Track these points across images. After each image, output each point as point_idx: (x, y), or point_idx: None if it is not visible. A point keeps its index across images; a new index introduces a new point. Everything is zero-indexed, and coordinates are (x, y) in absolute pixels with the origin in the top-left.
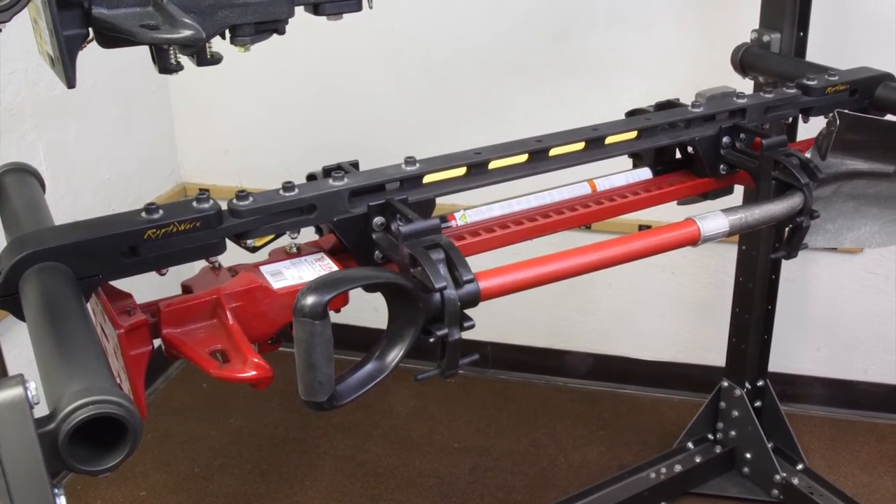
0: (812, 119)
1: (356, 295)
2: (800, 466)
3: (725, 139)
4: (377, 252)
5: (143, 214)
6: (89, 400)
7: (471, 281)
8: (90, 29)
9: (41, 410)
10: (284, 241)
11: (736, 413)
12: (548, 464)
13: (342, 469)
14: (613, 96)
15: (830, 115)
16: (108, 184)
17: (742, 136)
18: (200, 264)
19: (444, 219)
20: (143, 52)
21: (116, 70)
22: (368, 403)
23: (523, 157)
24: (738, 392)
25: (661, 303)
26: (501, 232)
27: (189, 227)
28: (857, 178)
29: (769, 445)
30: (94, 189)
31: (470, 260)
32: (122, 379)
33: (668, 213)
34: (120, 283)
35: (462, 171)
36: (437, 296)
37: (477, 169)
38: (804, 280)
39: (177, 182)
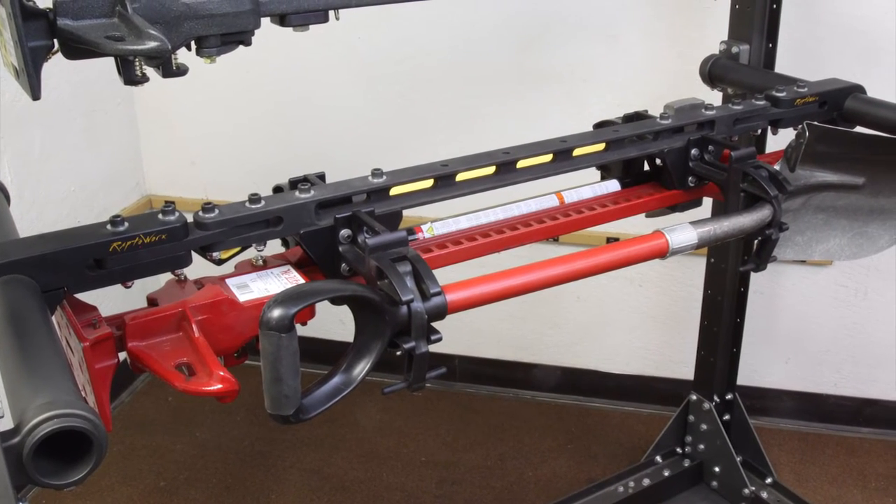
0: (781, 131)
1: (323, 308)
2: (769, 480)
3: (694, 151)
4: (344, 265)
5: (109, 227)
6: (54, 413)
7: (438, 294)
8: (55, 40)
9: (6, 424)
10: (251, 253)
11: (704, 426)
12: (515, 478)
13: (308, 483)
14: (581, 108)
15: (800, 126)
16: (73, 196)
17: (711, 148)
18: (166, 277)
19: (411, 231)
20: (109, 63)
21: (81, 82)
22: (335, 417)
23: (491, 170)
24: (706, 405)
25: (629, 316)
26: (469, 244)
27: (155, 240)
28: (826, 190)
29: (738, 459)
30: (59, 201)
31: (437, 272)
32: (88, 392)
33: (636, 225)
34: (85, 296)
35: (429, 183)
36: (404, 309)
37: (444, 181)
38: (773, 293)
39: (142, 194)
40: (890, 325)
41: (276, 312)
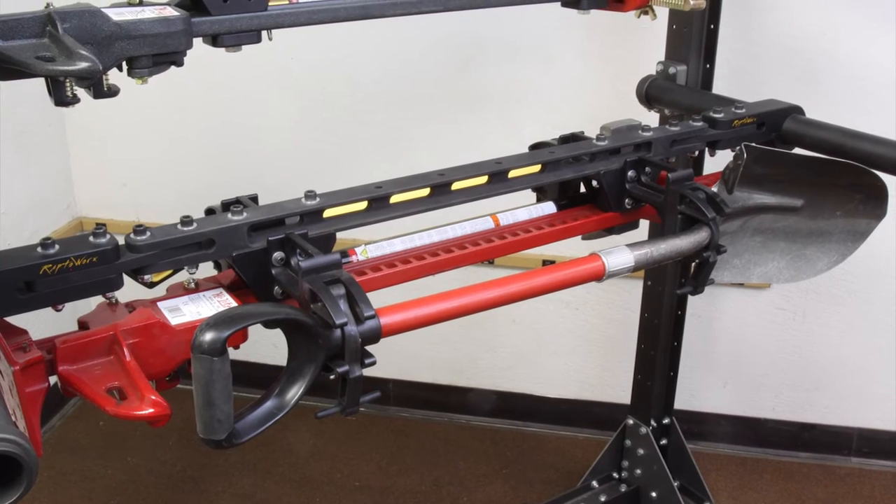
0: (719, 152)
1: (255, 331)
2: None
3: (631, 173)
4: (277, 287)
5: (39, 249)
6: None
7: (372, 317)
8: None
9: None
10: (183, 276)
11: (641, 451)
12: (450, 503)
13: None
14: (517, 129)
15: (737, 148)
16: (2, 218)
17: (648, 169)
18: (97, 300)
19: (344, 254)
20: (39, 84)
21: (11, 103)
22: (268, 441)
23: (425, 191)
24: (643, 430)
25: (565, 339)
26: (403, 267)
27: (86, 263)
28: (764, 212)
29: (675, 484)
30: None
31: (371, 295)
32: (18, 416)
33: (572, 248)
34: (15, 319)
35: (363, 205)
36: (338, 332)
37: (378, 203)
38: (711, 316)
39: (73, 216)
40: (828, 349)
41: (209, 336)
